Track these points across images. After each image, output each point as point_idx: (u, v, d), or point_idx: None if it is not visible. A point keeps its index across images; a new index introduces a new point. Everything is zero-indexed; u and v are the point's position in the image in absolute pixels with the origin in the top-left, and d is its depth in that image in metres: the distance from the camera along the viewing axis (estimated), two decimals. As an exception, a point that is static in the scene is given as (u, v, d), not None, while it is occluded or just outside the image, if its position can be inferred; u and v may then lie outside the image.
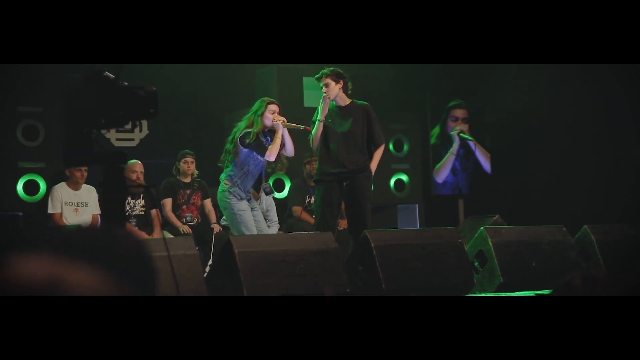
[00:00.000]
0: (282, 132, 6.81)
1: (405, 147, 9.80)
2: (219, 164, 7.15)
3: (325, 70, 6.97)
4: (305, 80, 9.46)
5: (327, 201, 6.98)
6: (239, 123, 6.90)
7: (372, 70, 10.06)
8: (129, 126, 4.01)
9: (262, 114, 6.81)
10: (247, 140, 6.70)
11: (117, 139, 8.86)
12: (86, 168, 7.85)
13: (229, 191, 6.78)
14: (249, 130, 6.75)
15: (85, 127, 3.85)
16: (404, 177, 9.75)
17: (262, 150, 6.75)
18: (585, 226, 7.37)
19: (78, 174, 7.79)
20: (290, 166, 9.04)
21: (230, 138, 6.86)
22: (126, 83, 3.90)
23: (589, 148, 9.36)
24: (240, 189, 6.79)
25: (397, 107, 10.27)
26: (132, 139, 8.93)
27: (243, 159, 6.77)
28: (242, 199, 6.81)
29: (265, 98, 6.98)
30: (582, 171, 9.41)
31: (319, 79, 7.01)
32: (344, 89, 7.00)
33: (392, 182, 9.69)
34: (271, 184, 9.00)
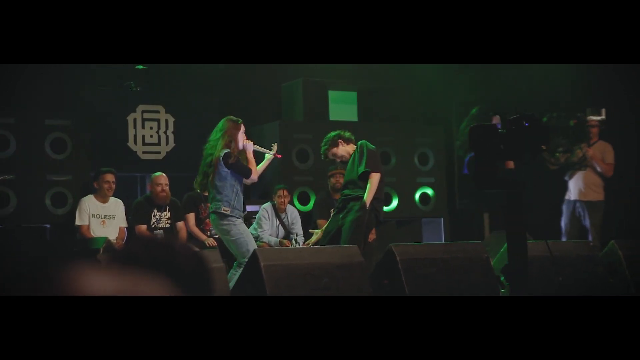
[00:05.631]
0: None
1: (431, 161, 9.79)
2: (198, 189, 7.22)
3: (323, 149, 7.26)
4: (331, 93, 9.50)
5: (331, 228, 7.23)
6: (210, 144, 6.65)
7: (397, 84, 10.08)
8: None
9: (237, 135, 6.64)
10: (230, 161, 6.55)
11: (143, 152, 8.92)
12: (114, 180, 7.92)
13: (230, 216, 6.58)
14: (228, 150, 6.58)
15: (491, 157, 4.75)
16: (429, 191, 9.74)
17: (245, 171, 6.62)
18: (612, 241, 7.32)
19: (106, 186, 7.86)
20: (315, 180, 9.09)
21: (208, 161, 6.60)
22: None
23: (618, 163, 9.30)
24: (238, 209, 6.67)
25: (422, 121, 10.28)
26: (159, 152, 8.99)
27: (231, 180, 6.58)
28: (240, 218, 6.69)
29: (233, 117, 6.74)
30: (612, 186, 9.34)
31: (325, 155, 7.32)
32: (346, 142, 7.22)
33: (417, 195, 9.68)
34: (295, 199, 9.04)
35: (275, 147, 7.02)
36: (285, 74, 9.63)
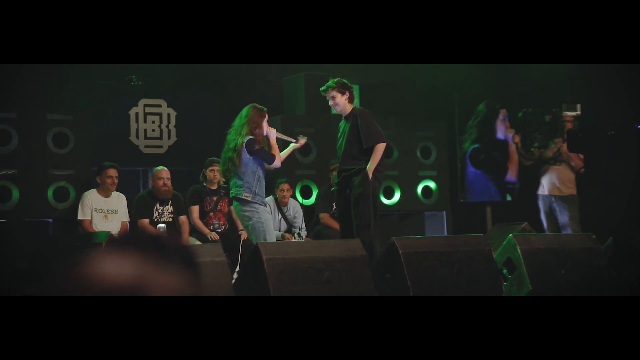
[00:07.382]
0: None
1: (433, 154, 9.78)
2: (222, 176, 7.34)
3: (331, 83, 7.01)
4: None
5: (338, 208, 7.21)
6: (234, 130, 6.71)
7: (399, 78, 10.06)
8: None
9: (262, 122, 6.71)
10: (255, 147, 6.63)
11: (145, 146, 8.92)
12: (117, 175, 7.92)
13: (252, 202, 6.64)
14: (252, 137, 6.66)
15: (599, 158, 5.42)
16: (432, 184, 9.73)
17: (268, 157, 6.70)
18: (610, 237, 7.30)
19: (109, 180, 7.86)
20: (317, 173, 9.09)
21: (232, 146, 6.66)
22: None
23: (618, 154, 9.28)
24: (260, 196, 6.72)
25: (425, 114, 10.26)
26: (161, 146, 8.99)
27: (252, 166, 6.65)
28: (264, 205, 6.77)
29: (257, 105, 6.81)
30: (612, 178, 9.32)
31: (325, 92, 7.06)
32: (350, 99, 7.04)
33: (419, 189, 9.67)
34: (298, 193, 9.03)
35: (302, 138, 7.13)
36: (287, 67, 9.61)
